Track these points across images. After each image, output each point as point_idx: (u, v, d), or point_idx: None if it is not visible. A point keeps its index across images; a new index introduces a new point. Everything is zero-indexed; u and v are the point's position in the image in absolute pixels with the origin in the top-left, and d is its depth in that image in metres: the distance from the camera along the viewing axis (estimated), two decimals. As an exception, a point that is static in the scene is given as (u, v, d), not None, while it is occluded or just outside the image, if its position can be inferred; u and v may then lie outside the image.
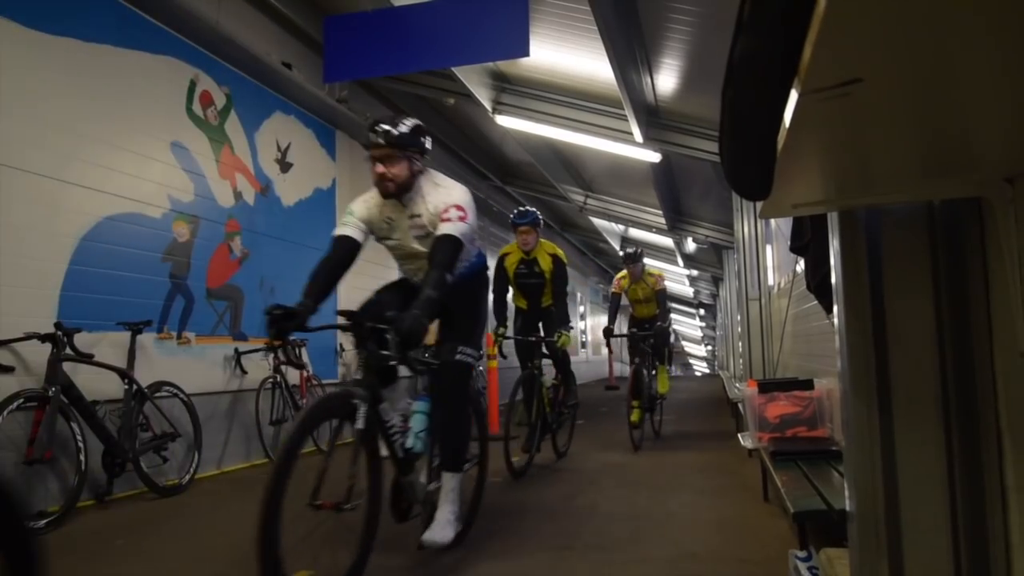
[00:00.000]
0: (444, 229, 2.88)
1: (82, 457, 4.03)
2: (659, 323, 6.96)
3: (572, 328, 5.72)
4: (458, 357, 3.18)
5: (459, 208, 2.92)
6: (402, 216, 3.07)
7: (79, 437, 4.04)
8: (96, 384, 4.36)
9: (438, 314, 3.14)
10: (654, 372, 7.07)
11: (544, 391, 5.45)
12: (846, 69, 0.72)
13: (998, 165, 1.19)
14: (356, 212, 3.12)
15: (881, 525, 1.42)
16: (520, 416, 5.28)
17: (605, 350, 17.76)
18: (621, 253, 8.35)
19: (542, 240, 5.63)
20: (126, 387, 4.54)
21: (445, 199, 2.96)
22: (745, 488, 4.40)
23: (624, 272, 7.18)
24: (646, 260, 7.52)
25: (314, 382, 6.68)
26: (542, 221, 5.60)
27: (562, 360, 5.85)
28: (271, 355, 6.14)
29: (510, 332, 5.70)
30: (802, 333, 5.37)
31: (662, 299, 7.11)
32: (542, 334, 5.58)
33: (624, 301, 7.53)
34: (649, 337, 6.79)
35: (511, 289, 5.80)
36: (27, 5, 4.19)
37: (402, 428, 2.99)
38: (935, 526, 1.40)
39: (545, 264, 5.57)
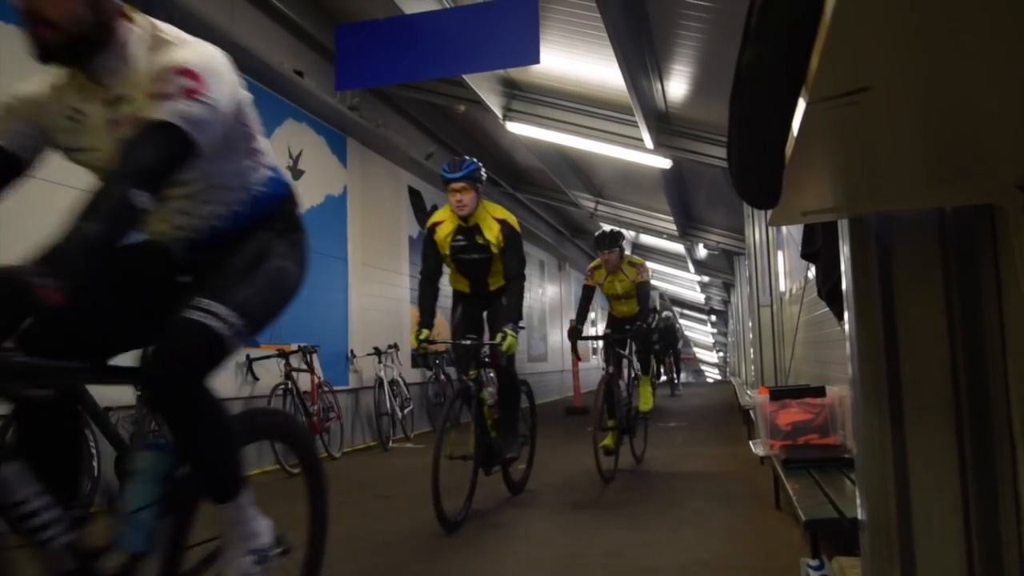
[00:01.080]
0: (156, 113, 1.60)
1: (95, 463, 4.06)
2: (639, 323, 5.60)
3: (522, 327, 4.31)
4: (194, 315, 1.72)
5: (188, 74, 1.67)
6: (93, 102, 1.77)
7: (92, 444, 4.06)
8: (108, 391, 4.36)
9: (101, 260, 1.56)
10: (637, 382, 5.96)
11: (486, 410, 4.15)
12: (853, 78, 0.72)
13: (1009, 172, 1.19)
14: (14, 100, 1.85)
15: (893, 533, 1.41)
16: (452, 448, 3.89)
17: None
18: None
19: (486, 202, 4.29)
20: (138, 394, 4.56)
21: (166, 61, 1.70)
22: (757, 496, 4.37)
23: (598, 261, 5.85)
24: (650, 256, 7.30)
25: (325, 388, 6.70)
26: (484, 175, 4.23)
27: (505, 371, 4.34)
28: (282, 361, 6.17)
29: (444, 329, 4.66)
30: (814, 340, 5.34)
31: (644, 295, 5.76)
32: (486, 329, 4.39)
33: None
34: (626, 340, 5.74)
35: (448, 269, 4.44)
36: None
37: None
38: (948, 534, 1.38)
39: (491, 234, 4.17)
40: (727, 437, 7.60)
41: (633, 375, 5.92)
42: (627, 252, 6.12)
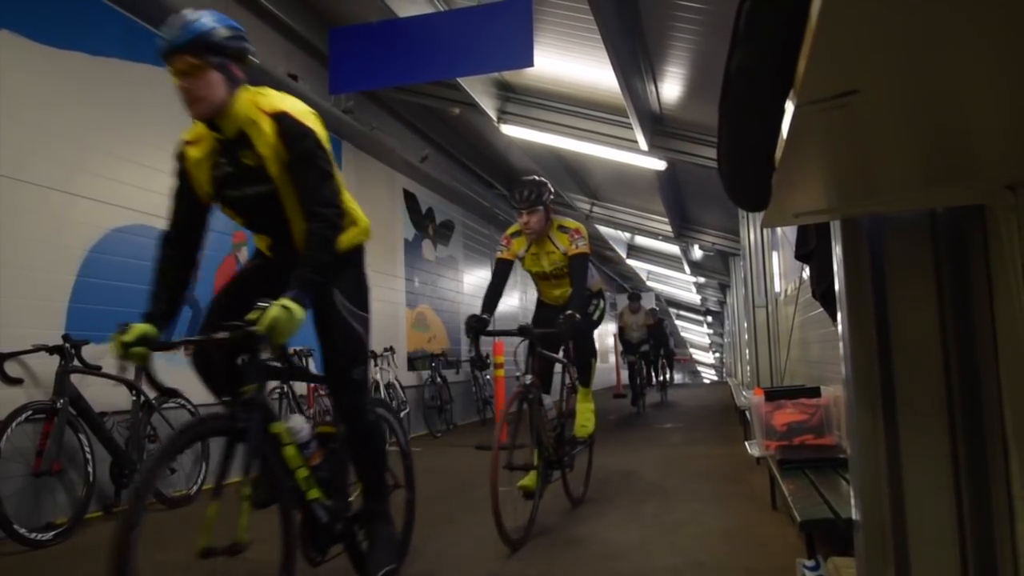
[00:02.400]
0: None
1: (90, 468, 4.05)
2: (570, 312, 3.80)
3: (365, 315, 2.63)
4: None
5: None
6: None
7: (87, 449, 4.05)
8: (104, 396, 4.37)
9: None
10: (572, 390, 4.47)
11: (288, 453, 2.40)
12: (841, 81, 0.72)
13: (999, 172, 1.19)
14: None
15: (888, 534, 1.41)
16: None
17: (612, 358, 17.29)
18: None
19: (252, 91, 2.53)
20: (134, 398, 4.56)
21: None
22: (752, 496, 4.38)
23: (517, 226, 4.29)
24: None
25: (321, 392, 6.69)
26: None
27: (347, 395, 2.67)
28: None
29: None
30: (809, 340, 5.35)
31: (579, 271, 4.17)
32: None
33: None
34: (553, 338, 4.00)
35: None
36: (36, 20, 4.23)
37: None
38: (942, 535, 1.39)
39: (262, 142, 2.40)
40: (723, 438, 7.60)
41: (568, 385, 4.44)
42: (559, 216, 4.45)
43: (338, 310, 2.53)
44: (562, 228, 4.25)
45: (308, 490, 2.38)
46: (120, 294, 4.72)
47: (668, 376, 15.52)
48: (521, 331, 3.86)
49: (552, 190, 4.31)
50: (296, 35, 6.74)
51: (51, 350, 4.02)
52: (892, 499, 1.42)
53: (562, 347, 4.29)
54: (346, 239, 2.52)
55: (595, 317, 4.70)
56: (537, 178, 4.25)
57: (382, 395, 7.71)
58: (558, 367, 4.28)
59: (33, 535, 3.64)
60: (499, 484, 3.25)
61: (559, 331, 3.79)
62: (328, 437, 2.61)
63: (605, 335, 20.12)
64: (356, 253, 2.64)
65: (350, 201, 2.58)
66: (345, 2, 6.69)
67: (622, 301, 15.21)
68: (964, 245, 1.42)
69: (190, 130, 2.61)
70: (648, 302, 17.53)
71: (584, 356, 4.49)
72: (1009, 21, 0.63)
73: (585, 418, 4.51)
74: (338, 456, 2.59)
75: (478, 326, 3.86)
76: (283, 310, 2.13)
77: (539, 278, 4.56)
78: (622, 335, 12.29)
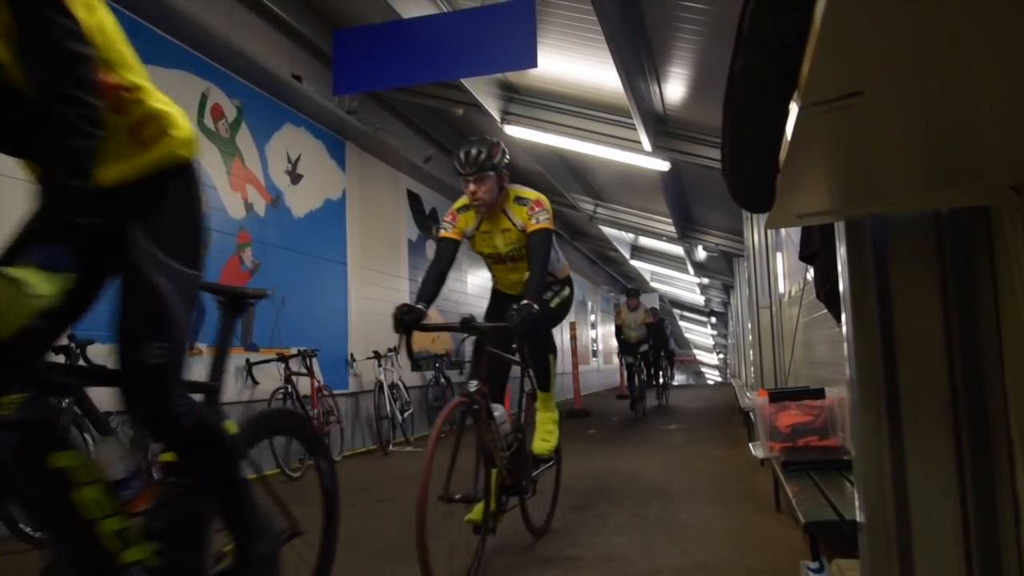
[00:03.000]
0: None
1: (95, 468, 4.05)
2: (526, 303, 3.05)
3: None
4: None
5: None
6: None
7: (92, 448, 4.06)
8: (109, 395, 4.37)
9: None
10: (531, 397, 3.79)
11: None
12: (845, 83, 0.72)
13: (1004, 173, 1.19)
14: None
15: (892, 535, 1.41)
16: None
17: (616, 359, 16.96)
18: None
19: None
20: (138, 399, 4.56)
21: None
22: (756, 498, 4.37)
23: (463, 200, 3.55)
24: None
25: (325, 392, 6.70)
26: None
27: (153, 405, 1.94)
28: (282, 365, 6.17)
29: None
30: (813, 341, 5.35)
31: (538, 251, 3.36)
32: None
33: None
34: (505, 333, 3.21)
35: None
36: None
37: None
38: (946, 536, 1.38)
39: None
40: (727, 439, 7.59)
41: (529, 391, 3.73)
42: (518, 186, 3.59)
43: (136, 259, 1.64)
44: (519, 199, 3.48)
45: (121, 550, 1.56)
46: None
47: (668, 378, 14.41)
48: (464, 325, 3.10)
49: (507, 152, 3.49)
50: (300, 36, 6.75)
51: (57, 350, 4.02)
52: (896, 501, 1.42)
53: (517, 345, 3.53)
54: (155, 153, 1.70)
55: (553, 304, 3.71)
56: (489, 137, 3.52)
57: (386, 396, 7.70)
58: (516, 370, 3.69)
59: (38, 534, 3.64)
60: (429, 520, 2.58)
61: (510, 324, 3.00)
62: (173, 467, 1.84)
63: (609, 335, 20.14)
64: (177, 174, 1.73)
65: (156, 96, 1.75)
66: (349, 3, 6.70)
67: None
68: (969, 246, 1.41)
69: None
70: (651, 303, 17.50)
71: (542, 353, 3.70)
72: (1013, 22, 0.63)
73: (546, 431, 3.72)
74: (184, 493, 1.78)
75: (409, 319, 3.09)
76: (5, 281, 1.33)
77: (493, 261, 3.70)
78: (619, 334, 11.59)
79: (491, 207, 3.44)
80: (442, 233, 3.55)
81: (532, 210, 3.43)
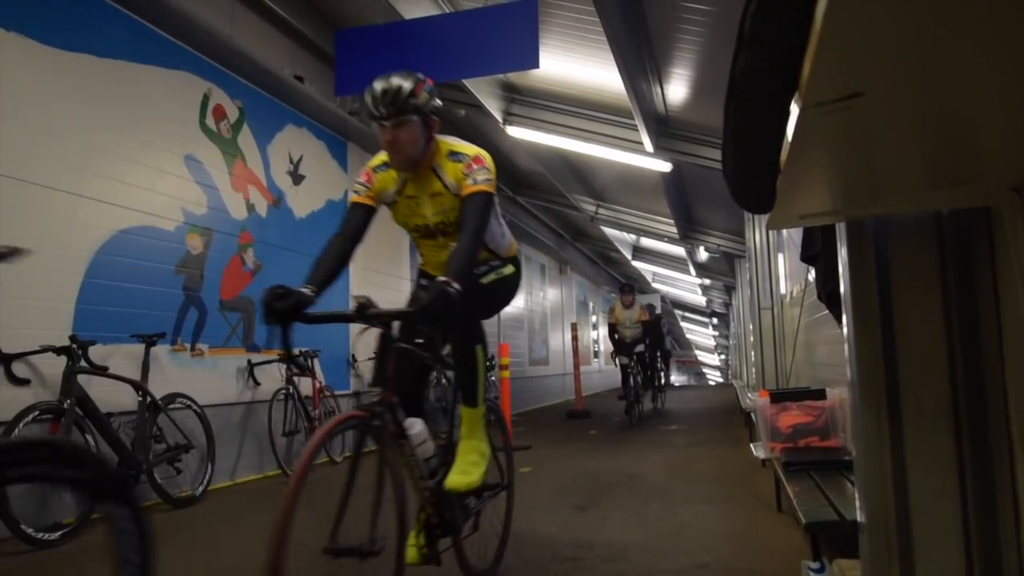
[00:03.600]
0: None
1: (97, 468, 4.06)
2: (443, 279, 2.22)
3: None
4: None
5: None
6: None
7: (94, 449, 4.06)
8: (110, 396, 4.39)
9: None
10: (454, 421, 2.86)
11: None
12: (845, 84, 0.73)
13: (1005, 175, 1.19)
14: None
15: (892, 536, 1.42)
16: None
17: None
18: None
19: None
20: (140, 399, 4.57)
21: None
22: (758, 498, 4.37)
23: (383, 155, 2.70)
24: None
25: (326, 393, 6.70)
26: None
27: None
28: (284, 366, 6.18)
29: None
30: (814, 342, 5.34)
31: (475, 216, 2.54)
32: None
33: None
34: (407, 320, 2.47)
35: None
36: (43, 23, 4.26)
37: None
38: (947, 536, 1.39)
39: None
40: (728, 440, 7.59)
41: (452, 402, 2.85)
42: (450, 138, 2.77)
43: None
44: (454, 155, 2.65)
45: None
46: (126, 295, 4.74)
47: (664, 379, 13.45)
48: (360, 313, 2.29)
49: (437, 93, 2.65)
50: (302, 37, 6.76)
51: (58, 351, 4.03)
52: (897, 501, 1.42)
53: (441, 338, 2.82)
54: None
55: (485, 280, 2.81)
56: (417, 75, 2.58)
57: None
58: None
59: (40, 535, 3.65)
60: None
61: (414, 308, 2.22)
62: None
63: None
64: None
65: None
66: (351, 4, 6.71)
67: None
68: (969, 247, 1.42)
69: None
70: (654, 303, 17.49)
71: (463, 346, 2.75)
72: (1014, 23, 0.64)
73: (467, 462, 2.71)
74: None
75: (283, 306, 2.25)
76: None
77: (421, 236, 2.84)
78: (613, 333, 10.66)
79: (416, 164, 2.61)
80: (352, 197, 2.71)
81: (469, 168, 2.60)
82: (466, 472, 2.69)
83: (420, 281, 3.06)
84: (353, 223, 2.64)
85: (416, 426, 2.54)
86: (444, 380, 9.33)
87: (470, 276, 2.51)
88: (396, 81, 2.51)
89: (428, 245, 2.87)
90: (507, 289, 2.96)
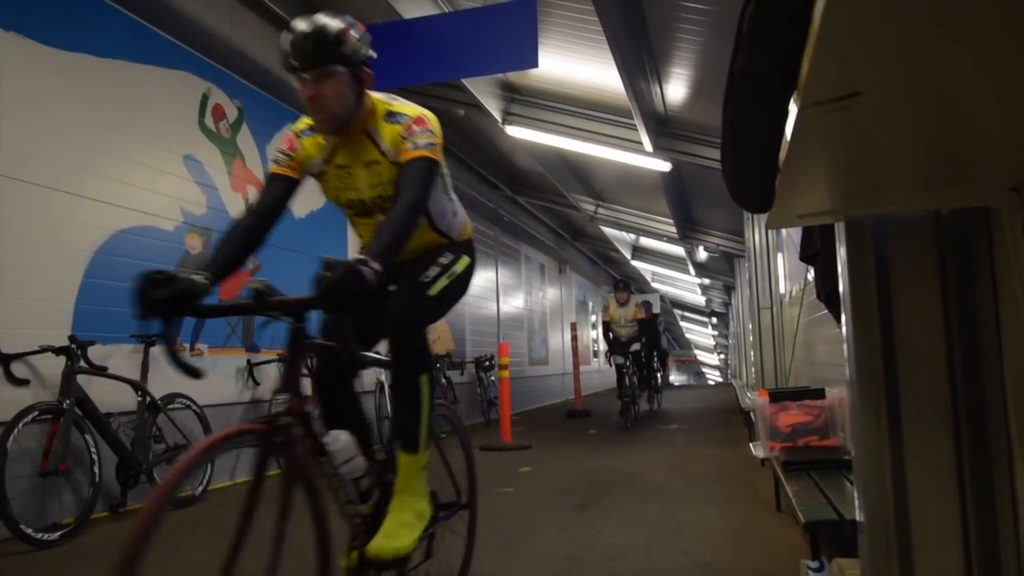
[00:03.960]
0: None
1: (96, 469, 4.06)
2: (359, 264, 1.76)
3: None
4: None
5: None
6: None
7: (93, 449, 4.06)
8: (110, 396, 4.39)
9: None
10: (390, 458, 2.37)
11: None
12: (844, 83, 0.73)
13: (1004, 174, 1.19)
14: None
15: (891, 535, 1.42)
16: None
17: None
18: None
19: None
20: (139, 399, 4.57)
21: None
22: (757, 498, 4.37)
23: (304, 121, 2.32)
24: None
25: (326, 393, 6.69)
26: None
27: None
28: (283, 366, 6.17)
29: None
30: (814, 341, 5.35)
31: (413, 183, 2.10)
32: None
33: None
34: (301, 310, 1.93)
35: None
36: (42, 22, 4.25)
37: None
38: (946, 535, 1.39)
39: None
40: (728, 439, 7.60)
41: (390, 442, 2.43)
42: (392, 97, 2.36)
43: None
44: (392, 116, 2.22)
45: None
46: (125, 295, 4.72)
47: (661, 380, 12.96)
48: (259, 302, 1.86)
49: (366, 40, 2.24)
50: (301, 37, 6.76)
51: (57, 351, 4.03)
52: (896, 500, 1.42)
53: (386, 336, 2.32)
54: None
55: (434, 291, 2.31)
56: (340, 16, 2.19)
57: (387, 396, 7.69)
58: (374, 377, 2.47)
59: (39, 535, 3.65)
60: None
61: (314, 296, 1.81)
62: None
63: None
64: None
65: None
66: (350, 4, 6.70)
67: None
68: (968, 247, 1.42)
69: None
70: (653, 303, 17.48)
71: (403, 376, 2.29)
72: (1012, 23, 0.64)
73: (399, 522, 2.17)
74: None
75: (164, 295, 1.83)
76: None
77: (355, 213, 2.39)
78: (607, 331, 10.31)
79: (345, 125, 2.18)
80: (271, 167, 2.29)
81: (409, 130, 2.16)
82: (395, 536, 2.13)
83: None
84: (268, 198, 2.23)
85: (339, 440, 2.13)
86: (444, 381, 9.36)
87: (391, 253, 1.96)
88: (319, 22, 2.11)
89: (365, 225, 2.42)
90: (460, 289, 2.47)
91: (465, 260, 2.49)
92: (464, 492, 2.66)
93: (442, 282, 2.35)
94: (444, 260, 2.40)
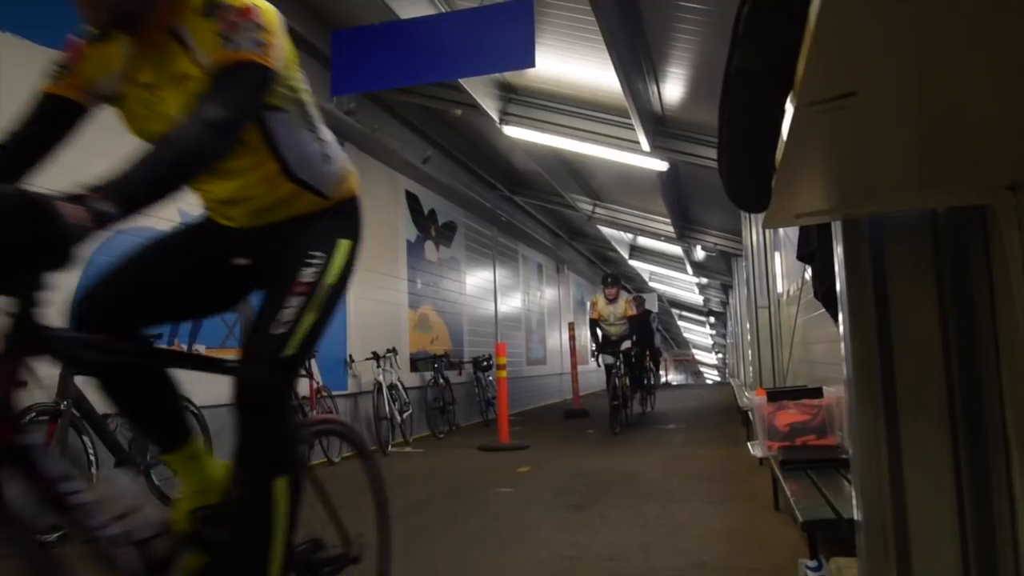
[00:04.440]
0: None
1: (93, 470, 4.05)
2: (72, 201, 1.19)
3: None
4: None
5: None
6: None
7: (91, 450, 4.06)
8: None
9: None
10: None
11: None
12: (840, 83, 0.73)
13: (1000, 173, 1.19)
14: None
15: (889, 534, 1.42)
16: None
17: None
18: None
19: None
20: (137, 400, 4.56)
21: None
22: (755, 497, 4.37)
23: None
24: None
25: (324, 393, 6.70)
26: None
27: None
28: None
29: None
30: (811, 341, 5.35)
31: (215, 108, 1.38)
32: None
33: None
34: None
35: None
36: (38, 22, 4.25)
37: None
38: (944, 535, 1.39)
39: None
40: (726, 438, 7.60)
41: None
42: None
43: None
44: (212, 8, 1.49)
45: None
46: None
47: (654, 380, 12.40)
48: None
49: None
50: (298, 36, 6.75)
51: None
52: (894, 499, 1.42)
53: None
54: None
55: (298, 334, 1.66)
56: None
57: (385, 396, 7.69)
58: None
59: (39, 536, 3.64)
60: None
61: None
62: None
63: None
64: None
65: None
66: (347, 4, 6.70)
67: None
68: (965, 246, 1.42)
69: None
70: (651, 302, 17.48)
71: (248, 477, 1.67)
72: (1008, 21, 0.64)
73: None
74: None
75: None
76: None
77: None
78: (594, 330, 9.65)
79: (133, 20, 1.56)
80: (43, 85, 1.70)
81: (229, 25, 1.46)
82: None
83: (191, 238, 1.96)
84: (29, 129, 1.62)
85: (113, 484, 1.57)
86: (443, 381, 9.36)
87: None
88: None
89: (215, 184, 1.84)
90: (339, 295, 1.78)
91: (343, 248, 1.82)
92: (358, 544, 1.96)
93: (307, 321, 1.63)
94: (308, 275, 1.67)
